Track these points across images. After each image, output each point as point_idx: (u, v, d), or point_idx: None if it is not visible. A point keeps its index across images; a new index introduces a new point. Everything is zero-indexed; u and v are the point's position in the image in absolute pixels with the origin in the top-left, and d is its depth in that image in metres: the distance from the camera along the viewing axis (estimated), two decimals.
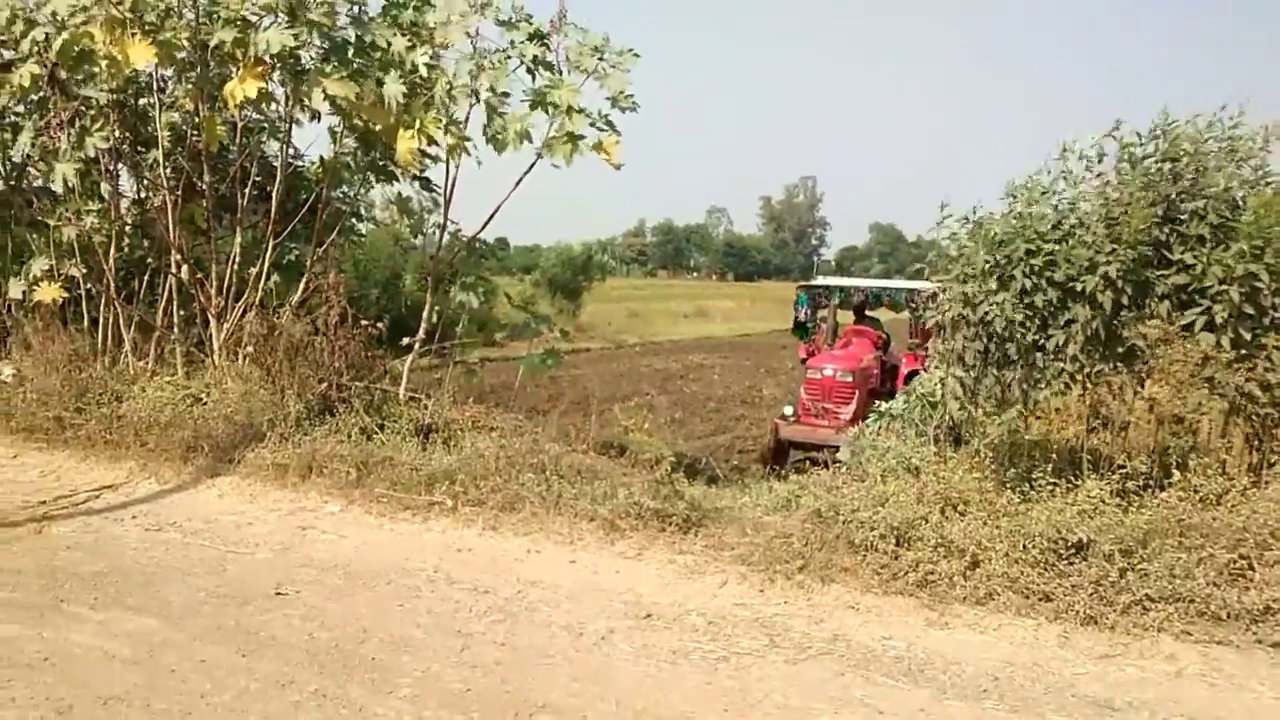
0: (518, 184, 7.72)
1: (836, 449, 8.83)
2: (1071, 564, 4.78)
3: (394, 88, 7.19)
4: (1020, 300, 5.49)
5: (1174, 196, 5.53)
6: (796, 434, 11.14)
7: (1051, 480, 5.48)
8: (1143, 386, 5.72)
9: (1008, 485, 5.59)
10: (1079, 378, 5.73)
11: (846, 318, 13.34)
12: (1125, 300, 5.52)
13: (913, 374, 10.48)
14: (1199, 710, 3.84)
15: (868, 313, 13.00)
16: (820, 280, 13.70)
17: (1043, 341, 5.60)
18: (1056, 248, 5.45)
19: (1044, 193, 5.76)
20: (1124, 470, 5.37)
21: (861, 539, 5.16)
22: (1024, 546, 4.88)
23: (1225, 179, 5.47)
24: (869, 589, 4.89)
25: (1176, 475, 5.22)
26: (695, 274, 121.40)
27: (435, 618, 4.52)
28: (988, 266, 5.56)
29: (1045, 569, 4.77)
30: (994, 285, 5.52)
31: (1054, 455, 5.82)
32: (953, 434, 6.42)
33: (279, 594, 4.76)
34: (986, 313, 5.56)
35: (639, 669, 4.05)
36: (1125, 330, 5.54)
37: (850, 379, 11.21)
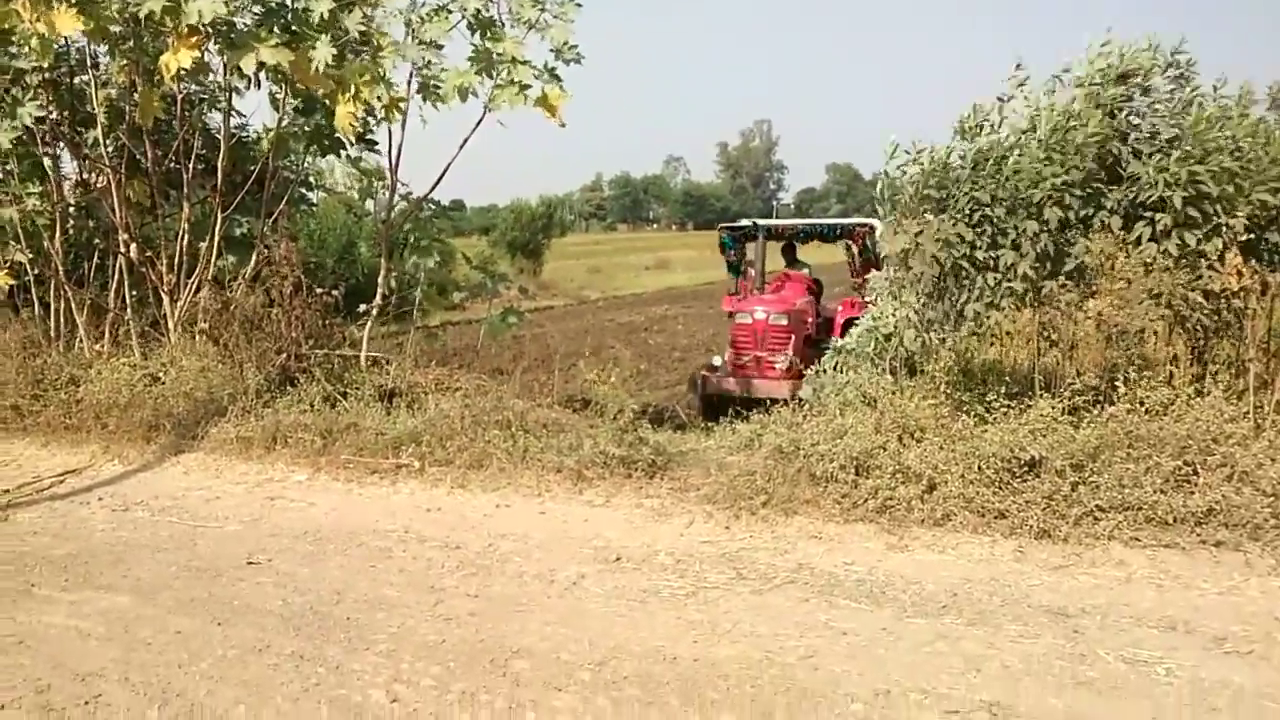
0: (465, 141, 7.70)
1: (775, 402, 8.31)
2: (1025, 481, 4.93)
3: (323, 51, 7.06)
4: (970, 218, 5.60)
5: (1124, 112, 5.65)
6: (728, 387, 9.96)
7: (1005, 403, 5.61)
8: (1088, 302, 5.84)
9: (963, 410, 5.72)
10: (1028, 298, 5.87)
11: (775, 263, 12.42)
12: (1073, 216, 5.65)
13: (850, 322, 9.75)
14: (1147, 610, 4.00)
15: (798, 256, 11.98)
16: (744, 221, 12.02)
17: (992, 260, 5.72)
18: (1005, 160, 5.55)
19: (994, 117, 5.88)
20: (1074, 388, 5.52)
21: (822, 471, 5.27)
22: (979, 468, 5.01)
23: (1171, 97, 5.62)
24: (830, 518, 5.01)
25: (1123, 389, 5.37)
26: (655, 225, 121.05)
27: (408, 576, 4.58)
28: (935, 190, 5.64)
29: (1000, 488, 4.91)
30: (941, 207, 5.62)
31: (1007, 378, 5.96)
32: (908, 364, 6.53)
33: (251, 564, 4.80)
34: (938, 236, 5.65)
35: (610, 609, 4.14)
36: (1072, 247, 5.66)
37: (785, 321, 10.10)
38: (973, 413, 5.65)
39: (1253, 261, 5.62)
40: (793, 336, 10.11)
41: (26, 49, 7.78)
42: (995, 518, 4.79)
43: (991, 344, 6.42)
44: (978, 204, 5.62)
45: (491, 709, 3.32)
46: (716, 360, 10.39)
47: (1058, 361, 5.97)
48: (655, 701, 3.35)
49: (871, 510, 4.99)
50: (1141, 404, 5.30)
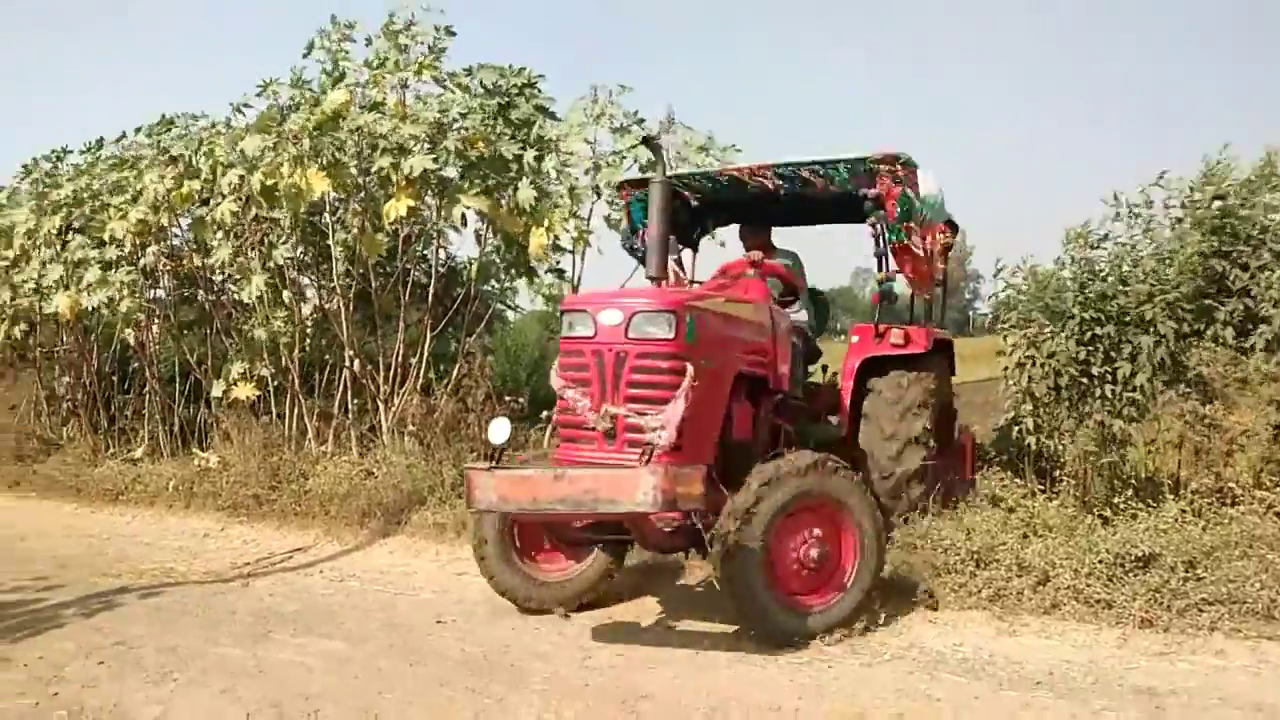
0: (635, 270, 8.71)
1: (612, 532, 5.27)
2: (1135, 575, 5.19)
3: (526, 193, 8.37)
4: (1081, 335, 6.02)
5: (1224, 229, 6.01)
6: (504, 492, 4.70)
7: (1133, 505, 5.87)
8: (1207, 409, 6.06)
9: (1090, 511, 6.00)
10: (1151, 407, 6.16)
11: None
12: (1187, 328, 5.99)
13: (873, 366, 6.46)
14: (1236, 694, 4.24)
15: (772, 240, 7.18)
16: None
17: (1109, 374, 6.09)
18: (1106, 284, 5.96)
19: (1103, 238, 6.33)
20: (1195, 490, 5.75)
21: (942, 562, 5.70)
22: (1092, 562, 5.32)
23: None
24: (946, 605, 5.43)
25: (1241, 492, 5.56)
26: (841, 337, 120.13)
27: (564, 637, 5.36)
28: (1045, 307, 6.12)
29: (1110, 581, 5.20)
30: (1053, 324, 6.08)
31: (1133, 480, 6.21)
32: (1037, 467, 6.82)
33: (439, 622, 5.71)
34: (1052, 351, 6.10)
35: (733, 671, 4.75)
36: (1188, 357, 5.98)
37: (668, 333, 4.96)
38: (1099, 513, 5.95)
39: None
40: (690, 370, 4.79)
41: (283, 202, 9.49)
42: (1103, 608, 5.09)
43: (1120, 448, 6.67)
44: (1087, 323, 6.03)
45: None
46: (499, 430, 5.05)
47: (1180, 465, 6.18)
48: None
49: (985, 599, 5.38)
50: (1268, 506, 5.49)
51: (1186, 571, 5.10)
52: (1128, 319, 5.98)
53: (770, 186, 6.60)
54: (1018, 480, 6.54)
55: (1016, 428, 6.55)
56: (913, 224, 6.22)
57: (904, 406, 6.23)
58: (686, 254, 7.53)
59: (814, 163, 6.39)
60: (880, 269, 6.62)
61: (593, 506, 4.57)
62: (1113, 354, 6.05)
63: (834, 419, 6.72)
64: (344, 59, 9.18)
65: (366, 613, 6.04)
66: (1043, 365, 6.16)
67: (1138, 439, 6.54)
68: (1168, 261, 6.09)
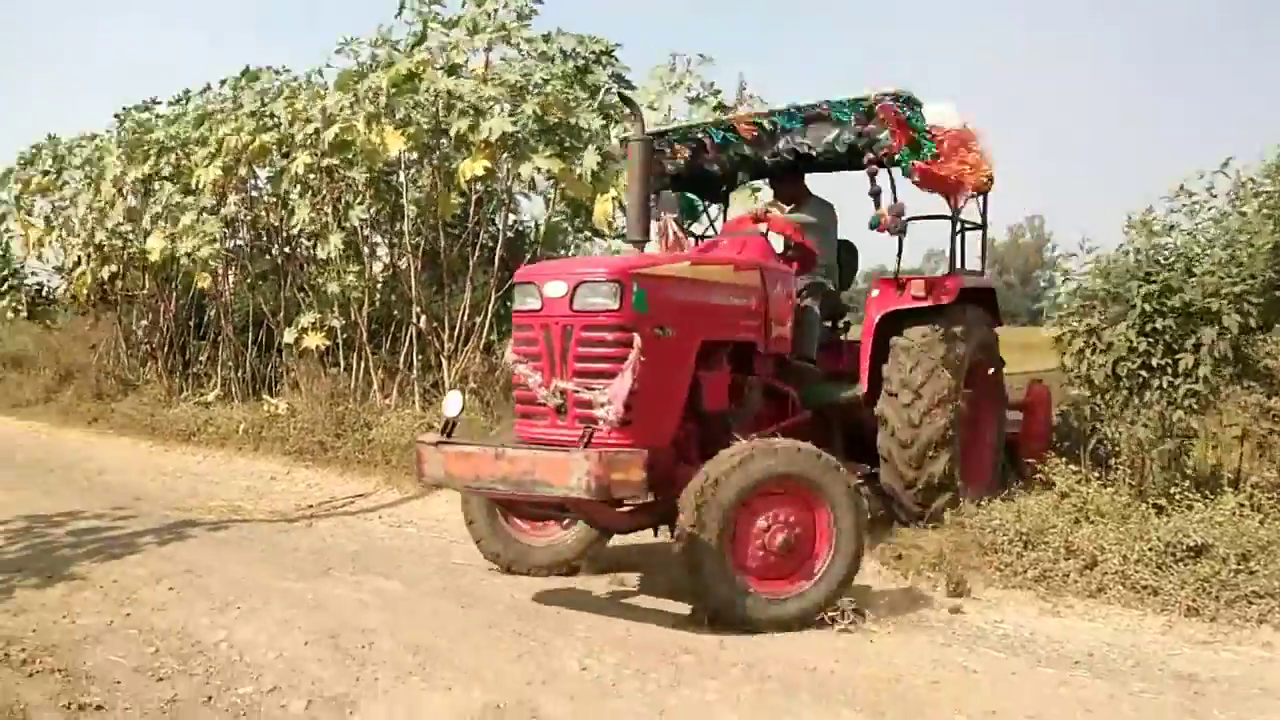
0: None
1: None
2: (1185, 565, 5.15)
3: (590, 159, 8.47)
4: (1142, 326, 5.92)
5: None
6: (453, 466, 4.80)
7: (1189, 495, 5.79)
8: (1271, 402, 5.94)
9: (1147, 500, 5.94)
10: (1213, 400, 6.05)
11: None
12: (1253, 322, 5.85)
13: (893, 322, 6.12)
14: (1278, 684, 4.21)
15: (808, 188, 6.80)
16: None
17: (1170, 365, 5.98)
18: (1170, 274, 5.86)
19: (1168, 228, 6.21)
20: (1256, 484, 5.67)
21: (990, 541, 5.71)
22: (1142, 549, 5.28)
23: None
24: (991, 584, 5.45)
25: None
26: None
27: (608, 592, 5.52)
28: (1106, 296, 6.04)
29: (1159, 569, 5.17)
30: (1114, 313, 6.00)
31: (1192, 472, 6.12)
32: (1094, 453, 6.73)
33: (491, 569, 5.89)
34: (1111, 341, 6.02)
35: (772, 633, 4.82)
36: (1253, 351, 5.86)
37: (613, 303, 4.69)
38: (1154, 502, 5.88)
39: None
40: (637, 342, 4.61)
41: (358, 158, 9.72)
42: (1149, 594, 5.07)
43: (1180, 441, 6.57)
44: (1148, 314, 5.90)
45: (657, 683, 4.13)
46: (452, 403, 5.13)
47: (1242, 458, 6.09)
48: (789, 694, 4.03)
49: (1030, 579, 5.39)
50: None
51: (1239, 564, 5.04)
52: (1192, 310, 5.87)
53: (764, 136, 6.26)
54: (1073, 466, 6.51)
55: (1074, 413, 6.49)
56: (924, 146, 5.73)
57: (924, 366, 5.87)
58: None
59: (808, 106, 6.07)
60: (877, 206, 6.05)
61: (530, 488, 4.50)
62: (1174, 346, 5.95)
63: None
64: (432, 21, 9.34)
65: (423, 557, 6.27)
66: (1102, 353, 6.09)
67: (1201, 431, 6.45)
68: (1234, 252, 5.96)
